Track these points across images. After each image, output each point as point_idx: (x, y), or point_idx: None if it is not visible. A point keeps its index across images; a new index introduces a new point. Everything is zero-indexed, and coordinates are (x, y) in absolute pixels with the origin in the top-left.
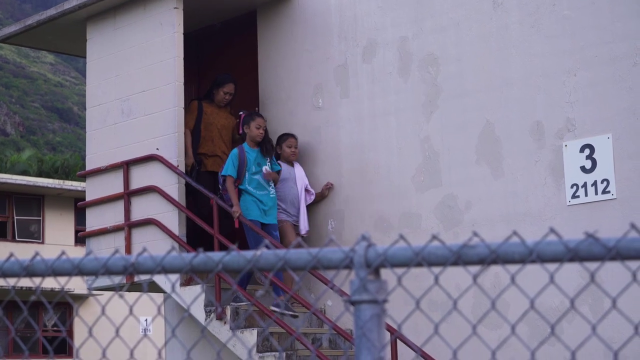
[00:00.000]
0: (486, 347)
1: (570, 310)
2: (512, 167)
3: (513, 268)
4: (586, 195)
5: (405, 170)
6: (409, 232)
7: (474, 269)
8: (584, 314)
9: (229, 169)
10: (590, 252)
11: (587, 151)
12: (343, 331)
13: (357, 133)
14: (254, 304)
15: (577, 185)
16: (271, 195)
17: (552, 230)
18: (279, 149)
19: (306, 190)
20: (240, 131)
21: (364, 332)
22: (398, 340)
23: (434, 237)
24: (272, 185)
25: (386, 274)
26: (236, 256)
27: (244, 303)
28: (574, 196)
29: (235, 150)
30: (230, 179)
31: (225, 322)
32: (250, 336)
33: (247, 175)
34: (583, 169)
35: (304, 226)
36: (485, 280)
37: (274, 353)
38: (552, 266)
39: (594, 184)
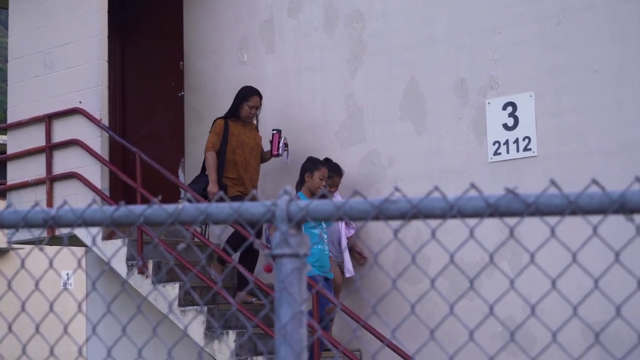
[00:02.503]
0: (406, 301)
1: (489, 265)
2: (436, 124)
3: (434, 223)
4: (508, 152)
5: (330, 126)
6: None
7: (395, 223)
8: (503, 269)
9: None
10: (510, 208)
11: (509, 109)
12: (264, 285)
13: (282, 88)
14: (176, 257)
15: (499, 142)
16: (326, 253)
17: (472, 186)
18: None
19: (346, 223)
20: (275, 152)
21: (284, 285)
22: (319, 294)
23: (356, 192)
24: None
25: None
26: (157, 209)
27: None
28: (495, 153)
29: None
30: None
31: (147, 276)
32: (172, 290)
33: (303, 229)
34: (505, 126)
35: (348, 268)
36: (407, 236)
37: (195, 307)
38: (472, 221)
39: (516, 141)
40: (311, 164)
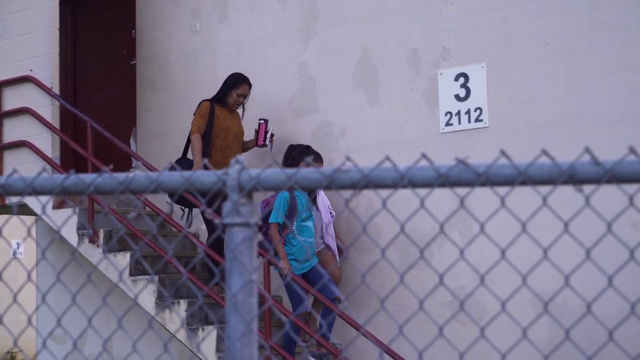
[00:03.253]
0: (357, 270)
1: (440, 235)
2: (388, 95)
3: (385, 193)
4: (459, 123)
5: (282, 96)
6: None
7: (347, 193)
8: (454, 239)
9: (276, 215)
10: (461, 178)
11: (461, 80)
12: (215, 254)
13: (235, 58)
14: (127, 226)
15: (450, 113)
16: (318, 243)
17: (423, 156)
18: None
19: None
20: (261, 142)
21: (235, 255)
22: (270, 264)
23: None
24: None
25: (260, 197)
26: (108, 178)
27: None
28: (447, 124)
29: (285, 194)
30: (275, 227)
31: (97, 245)
32: (123, 259)
33: (296, 223)
34: (457, 97)
35: (333, 245)
36: (359, 206)
37: (146, 276)
38: (423, 191)
39: (468, 112)
40: (305, 156)
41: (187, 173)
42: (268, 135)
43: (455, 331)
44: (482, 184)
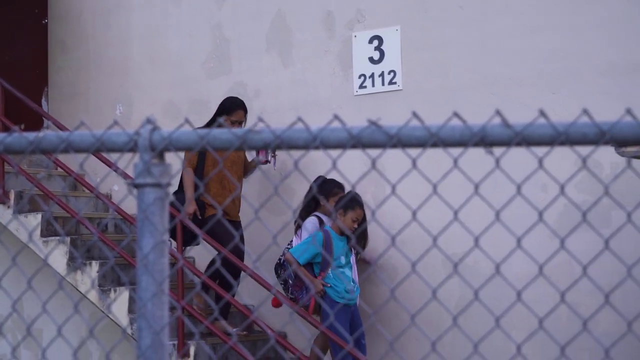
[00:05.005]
0: (268, 231)
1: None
2: (302, 56)
3: (297, 154)
4: (373, 85)
5: (196, 57)
6: (198, 118)
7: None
8: (367, 201)
9: (302, 253)
10: (373, 139)
11: (375, 42)
12: (128, 215)
13: (148, 18)
14: (36, 186)
15: (364, 75)
16: (356, 292)
17: (335, 117)
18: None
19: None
20: (264, 159)
21: (146, 215)
22: (183, 225)
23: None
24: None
25: (172, 158)
26: (18, 137)
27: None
28: (361, 86)
29: (319, 235)
30: (293, 258)
31: (8, 206)
32: (34, 220)
33: (330, 270)
34: (371, 59)
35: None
36: (272, 168)
37: (57, 237)
38: (335, 153)
39: (381, 75)
40: (346, 202)
41: (98, 133)
42: (269, 151)
43: (368, 292)
44: (394, 146)
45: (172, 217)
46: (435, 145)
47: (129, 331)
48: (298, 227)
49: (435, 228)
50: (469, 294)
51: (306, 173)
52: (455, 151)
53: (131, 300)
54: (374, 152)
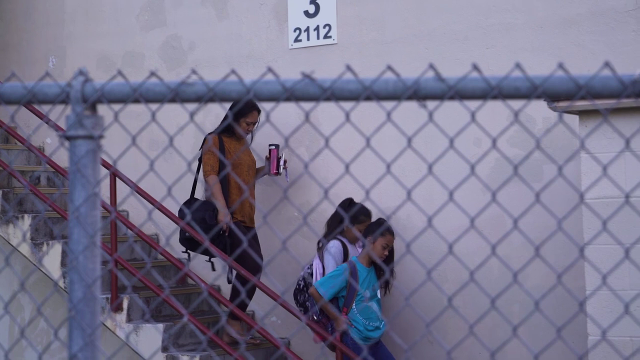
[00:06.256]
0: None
1: (285, 149)
2: (237, 10)
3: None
4: (308, 39)
5: (130, 9)
6: (132, 71)
7: (192, 106)
8: (300, 154)
9: (327, 287)
10: (306, 92)
11: None
12: (60, 168)
13: None
14: None
15: (299, 29)
16: (381, 328)
17: (269, 70)
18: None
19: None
20: (275, 170)
21: (78, 167)
22: (117, 178)
23: (152, 74)
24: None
25: (105, 110)
26: None
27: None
28: (296, 40)
29: (343, 267)
30: (317, 292)
31: None
32: None
33: (355, 303)
34: (307, 13)
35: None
36: (207, 121)
37: None
38: (269, 105)
39: (317, 28)
40: (375, 228)
41: (29, 84)
42: (281, 162)
43: (301, 245)
44: (328, 99)
45: (206, 226)
46: (368, 98)
47: (61, 284)
48: (320, 248)
49: (369, 181)
50: (401, 247)
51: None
52: (389, 105)
53: (64, 254)
54: (308, 105)
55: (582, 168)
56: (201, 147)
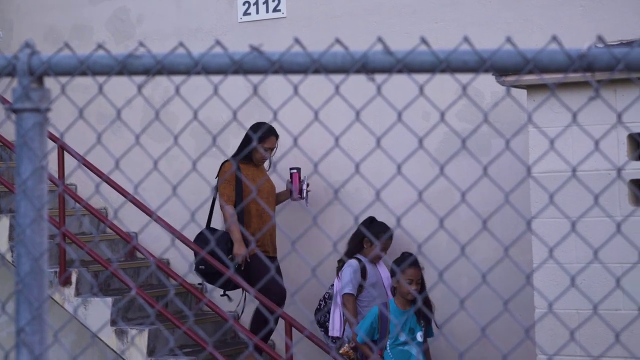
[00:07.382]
0: (149, 157)
1: (233, 122)
2: None
3: (179, 80)
4: (257, 12)
5: None
6: (80, 44)
7: (140, 79)
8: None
9: (358, 331)
10: (255, 65)
11: None
12: (7, 141)
13: None
14: None
15: (248, 2)
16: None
17: (217, 43)
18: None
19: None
20: (298, 195)
21: (25, 140)
22: (65, 151)
23: (100, 46)
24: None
25: (52, 83)
26: None
27: None
28: (245, 13)
29: (375, 310)
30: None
31: None
32: None
33: (388, 347)
34: None
35: None
36: (155, 94)
37: None
38: (217, 79)
39: (266, 1)
40: (403, 264)
41: None
42: (304, 187)
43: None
44: (276, 72)
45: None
46: (317, 71)
47: (9, 258)
48: (339, 268)
49: (317, 155)
50: (350, 220)
51: (188, 99)
52: (337, 78)
53: (11, 228)
54: (256, 79)
55: (530, 142)
56: (217, 175)
